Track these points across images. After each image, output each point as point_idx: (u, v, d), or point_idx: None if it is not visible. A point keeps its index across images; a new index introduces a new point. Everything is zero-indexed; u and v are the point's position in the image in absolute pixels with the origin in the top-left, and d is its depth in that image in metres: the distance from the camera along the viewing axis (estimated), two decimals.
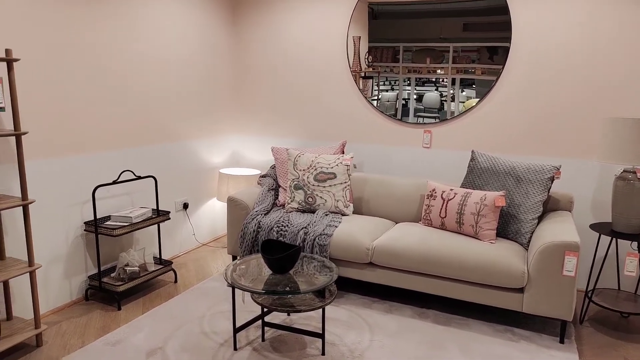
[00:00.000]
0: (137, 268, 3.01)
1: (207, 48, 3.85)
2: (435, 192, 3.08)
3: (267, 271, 2.46)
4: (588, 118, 3.06)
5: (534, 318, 2.81)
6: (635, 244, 2.92)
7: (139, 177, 3.07)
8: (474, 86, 3.35)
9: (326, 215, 3.21)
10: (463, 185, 3.15)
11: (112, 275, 3.03)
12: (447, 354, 2.40)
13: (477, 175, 3.10)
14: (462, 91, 3.40)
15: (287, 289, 2.22)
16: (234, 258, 3.42)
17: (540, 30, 3.10)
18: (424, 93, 3.52)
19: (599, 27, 2.95)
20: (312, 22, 3.81)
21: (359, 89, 3.73)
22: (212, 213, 4.13)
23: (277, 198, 3.53)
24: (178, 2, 3.50)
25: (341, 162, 3.31)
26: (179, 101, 3.61)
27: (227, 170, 4.07)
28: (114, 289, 2.87)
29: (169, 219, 3.22)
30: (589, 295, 2.83)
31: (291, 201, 3.33)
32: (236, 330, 2.43)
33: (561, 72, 3.08)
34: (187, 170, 3.77)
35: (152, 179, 3.39)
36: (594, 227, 2.77)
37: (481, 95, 3.34)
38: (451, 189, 3.02)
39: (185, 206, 3.78)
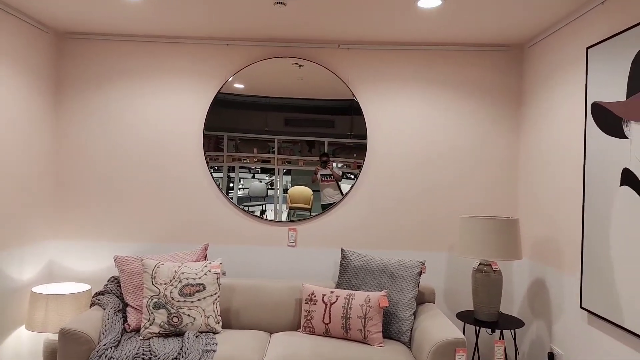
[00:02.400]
0: None
1: (21, 130, 3.07)
2: (315, 296, 2.94)
3: None
4: (441, 214, 3.43)
5: None
6: (498, 331, 3.25)
7: None
8: (351, 177, 3.46)
9: (197, 337, 2.70)
10: (339, 286, 3.10)
11: None
12: None
13: (352, 274, 3.09)
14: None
15: None
16: None
17: (389, 131, 3.44)
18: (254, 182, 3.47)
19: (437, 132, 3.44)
20: (169, 105, 3.45)
21: (216, 184, 3.45)
22: (17, 348, 3.07)
23: (126, 321, 2.85)
24: None
25: (209, 270, 2.91)
26: None
27: (42, 289, 3.15)
28: None
29: None
30: None
31: (150, 324, 2.72)
32: None
33: (409, 171, 3.44)
34: None
35: None
36: (459, 316, 3.00)
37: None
38: (331, 292, 2.93)
39: None
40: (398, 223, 3.44)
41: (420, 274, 2.98)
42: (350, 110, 3.45)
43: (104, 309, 2.82)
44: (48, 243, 3.39)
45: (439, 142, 3.43)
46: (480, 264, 2.95)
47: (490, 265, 2.91)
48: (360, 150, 3.44)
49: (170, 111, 3.44)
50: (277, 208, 3.46)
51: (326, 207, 3.45)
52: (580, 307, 2.48)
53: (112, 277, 3.15)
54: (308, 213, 3.46)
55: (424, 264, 3.00)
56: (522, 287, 3.28)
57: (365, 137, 3.43)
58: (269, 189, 3.47)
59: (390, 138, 3.45)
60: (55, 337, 3.11)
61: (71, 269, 3.44)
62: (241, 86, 3.44)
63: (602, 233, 2.31)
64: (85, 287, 3.26)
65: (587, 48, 2.49)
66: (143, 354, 2.50)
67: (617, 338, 2.23)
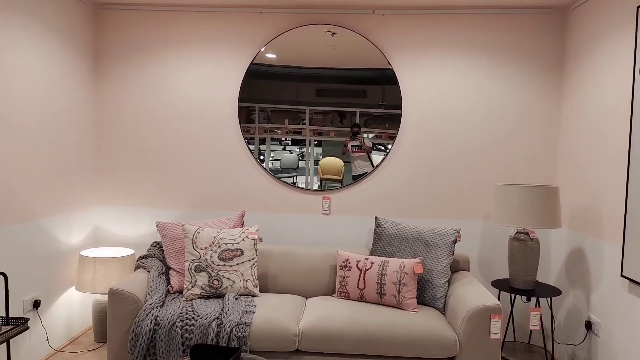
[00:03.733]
0: None
1: (61, 100, 3.18)
2: (350, 262, 2.99)
3: None
4: (476, 182, 3.40)
5: None
6: (534, 300, 3.25)
7: None
8: (381, 148, 3.45)
9: (236, 299, 2.81)
10: (373, 253, 3.13)
11: None
12: None
13: (386, 242, 3.12)
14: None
15: None
16: None
17: (425, 99, 3.39)
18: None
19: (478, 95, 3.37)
20: (204, 75, 3.50)
21: (251, 153, 3.50)
22: (68, 308, 3.27)
23: (169, 284, 2.98)
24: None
25: (247, 237, 2.99)
26: (25, 169, 2.85)
27: (90, 252, 3.31)
28: None
29: (28, 328, 2.40)
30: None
31: (192, 286, 2.84)
32: None
33: (445, 139, 3.39)
34: (35, 257, 2.94)
35: None
36: (495, 284, 3.00)
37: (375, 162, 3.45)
38: (366, 258, 2.97)
39: (37, 304, 2.91)
40: (432, 191, 3.43)
41: (455, 242, 2.98)
42: (383, 79, 3.40)
43: (149, 272, 2.96)
44: (93, 209, 3.54)
45: (476, 110, 3.37)
46: (517, 232, 2.92)
47: (527, 233, 2.88)
48: (391, 120, 3.41)
49: (206, 81, 3.48)
50: (309, 180, 3.50)
51: (357, 178, 3.46)
52: (621, 275, 2.44)
53: (155, 242, 3.27)
54: (339, 184, 3.48)
55: (459, 232, 3.00)
56: (560, 256, 3.24)
57: (397, 107, 3.39)
58: (300, 160, 3.50)
59: (425, 106, 3.40)
60: (103, 297, 3.29)
61: (115, 234, 3.59)
62: (273, 56, 3.44)
63: None
64: (129, 251, 3.41)
65: (638, 7, 2.36)
66: (187, 313, 2.62)
67: None
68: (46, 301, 3.02)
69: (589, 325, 2.79)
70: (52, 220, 3.06)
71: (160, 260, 3.10)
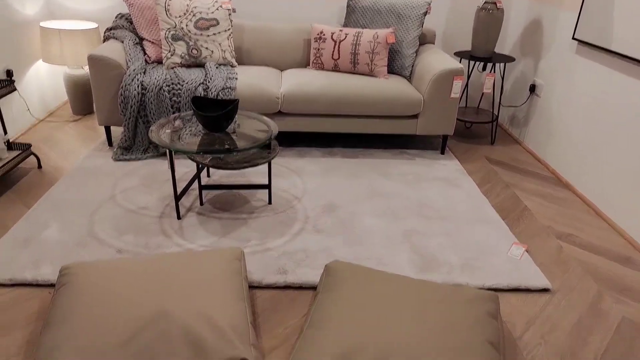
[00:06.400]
0: None
1: None
2: (324, 34, 3.07)
3: (191, 132, 2.19)
4: None
5: (413, 139, 3.30)
6: (489, 65, 3.53)
7: None
8: None
9: (217, 68, 2.90)
10: (346, 25, 3.21)
11: None
12: (371, 178, 2.70)
13: (360, 14, 3.18)
14: None
15: (227, 146, 2.06)
16: (108, 130, 2.88)
17: None
18: None
19: None
20: None
21: None
22: (39, 81, 3.24)
23: (145, 54, 2.98)
24: None
25: (221, 6, 2.93)
26: None
27: (49, 24, 3.14)
28: None
29: (14, 89, 2.43)
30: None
31: (171, 55, 2.86)
32: (178, 197, 2.20)
33: None
34: None
35: None
36: (457, 54, 3.25)
37: None
38: (340, 30, 3.05)
39: (9, 74, 2.86)
40: None
41: (425, 14, 3.08)
42: None
43: (122, 42, 2.91)
44: None
45: None
46: (485, 2, 3.05)
47: (495, 3, 3.02)
48: None
49: None
50: None
51: None
52: (573, 37, 2.72)
53: (119, 14, 3.13)
54: None
55: (429, 4, 3.08)
56: (518, 27, 3.46)
57: None
58: None
59: None
60: (74, 71, 3.26)
61: (70, 8, 3.36)
62: None
63: None
64: (92, 24, 3.27)
65: None
66: (172, 79, 2.71)
67: (602, 62, 2.54)
68: (17, 72, 2.96)
69: (532, 88, 3.19)
70: None
71: (131, 32, 3.03)
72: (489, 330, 1.46)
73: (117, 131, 3.11)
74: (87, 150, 2.88)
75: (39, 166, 2.63)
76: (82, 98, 3.33)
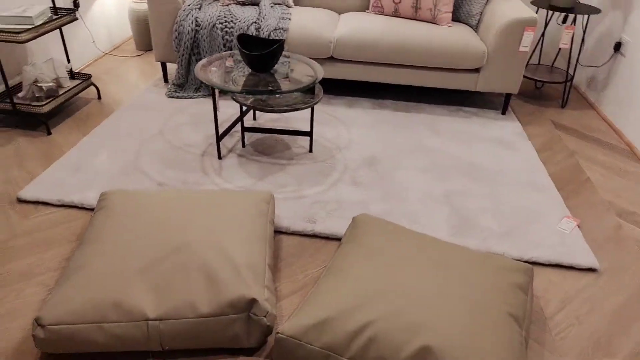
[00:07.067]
0: (52, 84, 2.42)
1: None
2: None
3: (239, 72, 2.17)
4: None
5: (473, 96, 3.08)
6: (571, 16, 3.17)
7: None
8: None
9: (272, 7, 2.82)
10: None
11: (20, 95, 2.41)
12: (421, 133, 2.58)
13: None
14: None
15: (270, 88, 2.01)
16: (164, 66, 2.94)
17: None
18: None
19: None
20: None
21: None
22: (105, 18, 3.34)
23: None
24: None
25: None
26: None
27: None
28: (36, 110, 2.31)
29: (76, 18, 2.52)
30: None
31: None
32: (219, 137, 2.23)
33: None
34: None
35: None
36: (534, 3, 2.93)
37: None
38: None
39: (75, 4, 2.96)
40: None
41: None
42: None
43: None
44: None
45: None
46: None
47: None
48: None
49: None
50: None
51: None
52: None
53: None
54: None
55: None
56: None
57: None
58: None
59: None
60: (138, 5, 3.32)
61: None
62: None
63: None
64: None
65: None
66: (225, 17, 2.68)
67: None
68: (84, 4, 3.06)
69: (618, 46, 2.83)
70: None
71: None
72: (513, 302, 1.37)
73: (172, 67, 3.17)
74: (145, 85, 2.97)
75: (99, 97, 2.76)
76: (144, 33, 3.40)
